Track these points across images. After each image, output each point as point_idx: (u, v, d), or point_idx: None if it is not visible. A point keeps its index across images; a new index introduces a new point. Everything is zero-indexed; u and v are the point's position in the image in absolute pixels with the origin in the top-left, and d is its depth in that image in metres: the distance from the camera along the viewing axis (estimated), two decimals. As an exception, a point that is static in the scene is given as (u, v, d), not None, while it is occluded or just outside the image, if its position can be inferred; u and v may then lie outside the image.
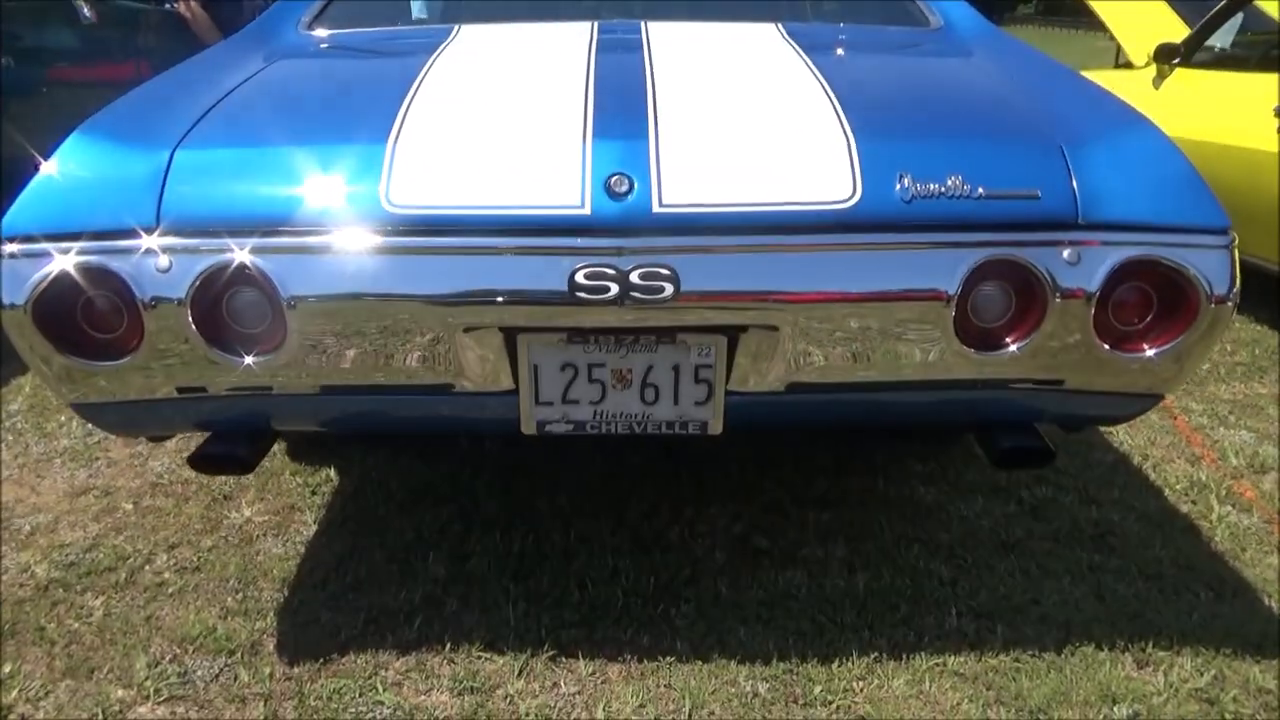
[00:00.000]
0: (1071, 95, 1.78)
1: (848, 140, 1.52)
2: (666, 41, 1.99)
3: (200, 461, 1.65)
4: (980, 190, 1.47)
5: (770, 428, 2.23)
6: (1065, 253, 1.47)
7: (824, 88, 1.69)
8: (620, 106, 1.60)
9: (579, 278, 1.42)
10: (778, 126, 1.58)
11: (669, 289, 1.42)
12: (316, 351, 1.48)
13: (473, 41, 2.06)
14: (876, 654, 1.77)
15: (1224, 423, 2.75)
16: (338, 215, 1.46)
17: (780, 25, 2.17)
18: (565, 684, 1.70)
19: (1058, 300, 1.47)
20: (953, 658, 1.77)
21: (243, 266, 1.43)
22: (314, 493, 2.34)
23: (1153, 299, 1.52)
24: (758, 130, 1.57)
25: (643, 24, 2.12)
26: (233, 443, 1.66)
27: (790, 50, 1.96)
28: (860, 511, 2.25)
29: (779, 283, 1.46)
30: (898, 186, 1.47)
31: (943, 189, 1.47)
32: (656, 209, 1.45)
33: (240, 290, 1.46)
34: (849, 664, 1.75)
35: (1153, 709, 1.65)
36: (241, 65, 1.94)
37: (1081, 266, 1.47)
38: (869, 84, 1.83)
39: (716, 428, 1.58)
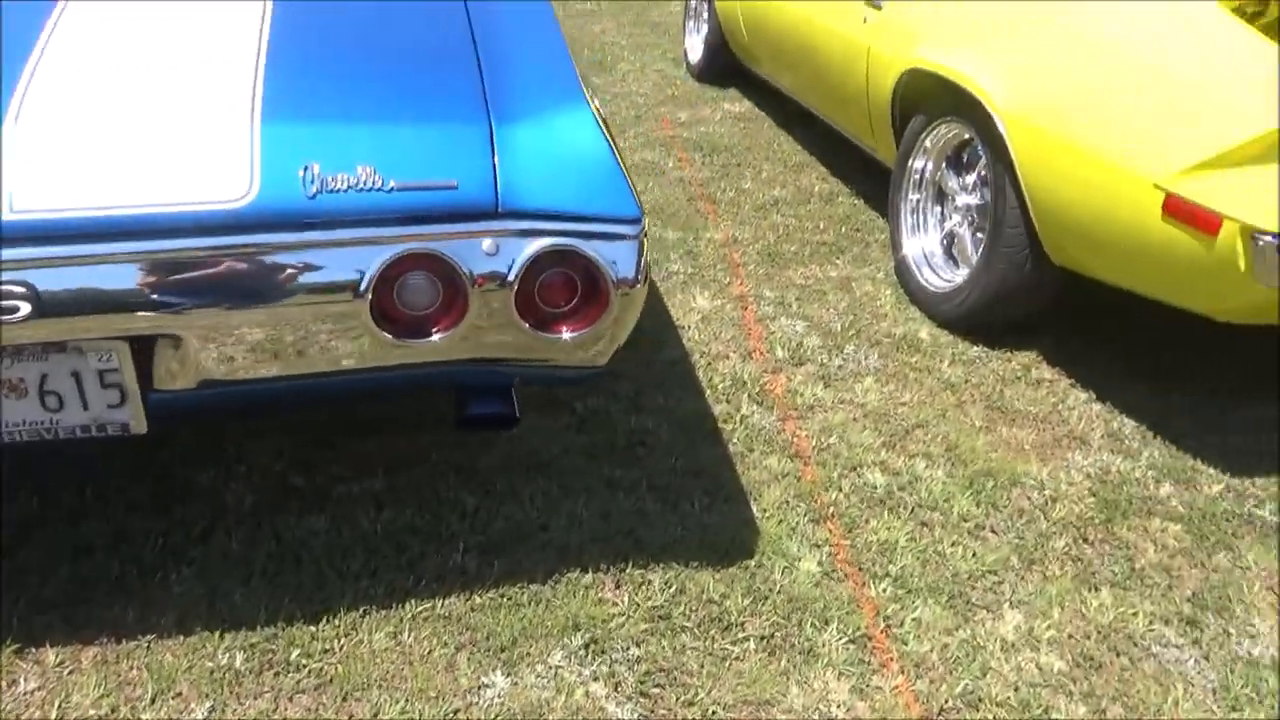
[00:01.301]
0: (527, 65, 1.73)
1: (252, 130, 1.41)
2: (91, 12, 1.73)
3: None
4: (393, 183, 1.43)
5: (214, 419, 2.17)
6: (485, 243, 1.47)
7: (258, 65, 1.55)
8: None
9: None
10: (180, 115, 1.44)
11: (25, 308, 1.31)
12: None
13: None
14: (368, 605, 1.85)
15: (786, 310, 2.98)
16: None
17: None
18: (25, 681, 1.67)
19: (478, 289, 1.49)
20: (443, 601, 1.88)
21: None
22: None
23: (576, 283, 1.57)
24: (152, 121, 1.43)
25: None
26: None
27: (260, 13, 1.76)
28: (410, 437, 2.30)
29: (160, 292, 1.37)
30: (301, 180, 1.40)
31: (352, 181, 1.42)
32: (7, 216, 1.30)
33: None
34: (336, 620, 1.82)
35: (609, 632, 1.84)
36: None
37: (500, 256, 1.49)
38: (313, 58, 1.68)
39: (140, 428, 1.52)
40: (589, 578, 1.95)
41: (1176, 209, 1.96)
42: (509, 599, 1.89)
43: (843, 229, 3.52)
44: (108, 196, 1.34)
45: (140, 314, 1.37)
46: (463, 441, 2.29)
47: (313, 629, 1.80)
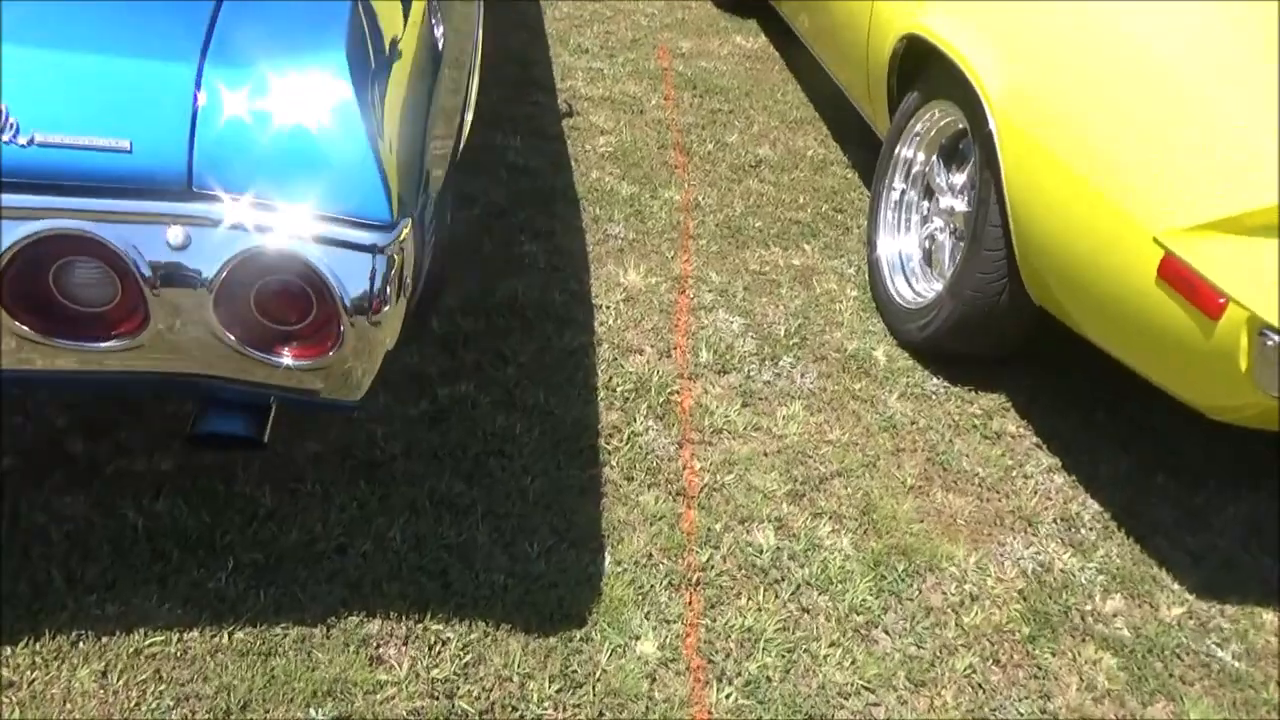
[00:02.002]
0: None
1: None
2: None
3: None
4: (36, 135, 1.02)
5: None
6: (170, 232, 1.07)
7: None
8: None
9: None
10: None
11: None
12: None
13: None
14: (88, 629, 1.50)
15: (728, 302, 2.55)
16: None
17: None
18: None
19: (158, 290, 1.09)
20: (181, 634, 1.52)
21: None
22: None
23: (307, 297, 1.15)
24: None
25: None
26: None
27: None
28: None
29: None
30: None
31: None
32: None
33: None
34: (40, 643, 1.46)
35: (369, 707, 1.48)
36: None
37: (192, 250, 1.08)
38: None
39: None
40: (373, 626, 1.60)
41: (1174, 274, 1.50)
42: (262, 643, 1.54)
43: (824, 207, 3.04)
44: None
45: None
46: (297, 420, 1.93)
47: (7, 650, 1.47)
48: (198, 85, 1.06)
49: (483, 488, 1.87)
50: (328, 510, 1.77)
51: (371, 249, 1.08)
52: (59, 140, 1.01)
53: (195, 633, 1.54)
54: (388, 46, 1.28)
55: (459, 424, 2.01)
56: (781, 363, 2.35)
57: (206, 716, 1.44)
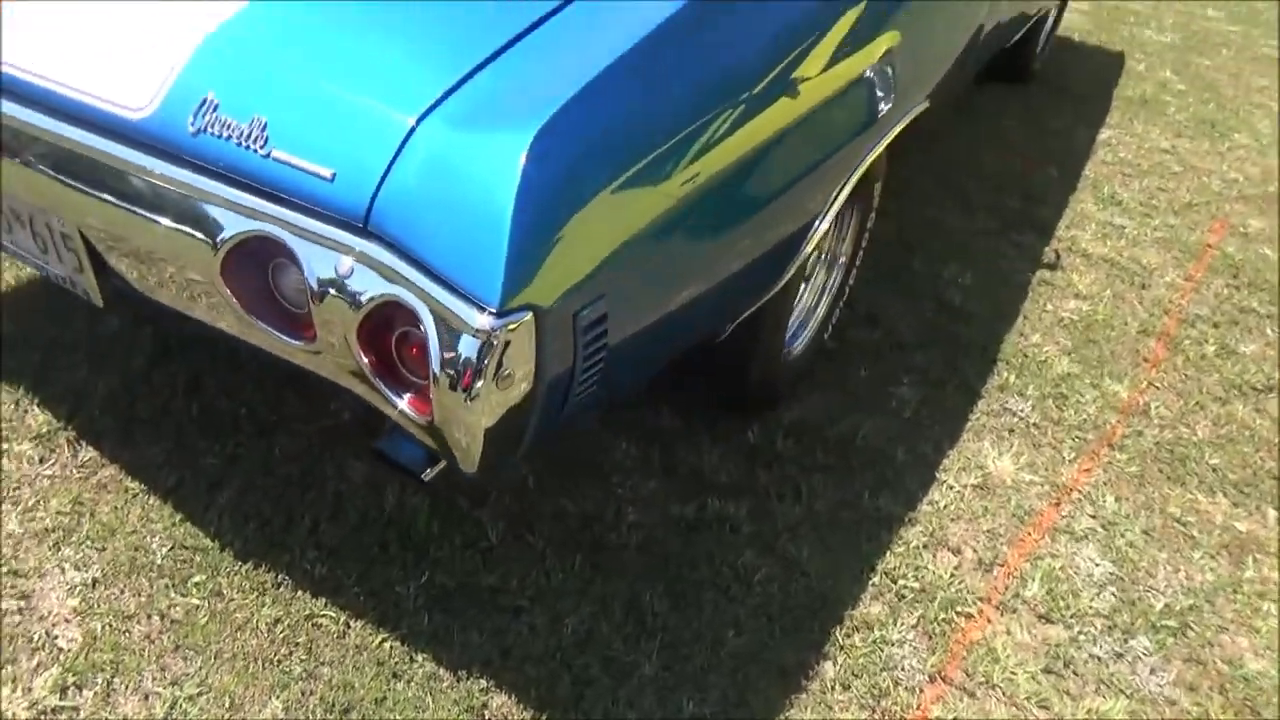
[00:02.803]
0: (557, 56, 1.23)
1: (193, 45, 1.22)
2: None
3: None
4: (274, 150, 1.14)
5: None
6: (340, 261, 1.14)
7: None
8: None
9: None
10: (158, 13, 1.30)
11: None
12: None
13: None
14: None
15: (1109, 540, 1.99)
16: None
17: None
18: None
19: (318, 304, 1.16)
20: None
21: None
22: None
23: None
24: (132, 11, 1.31)
25: None
26: None
27: None
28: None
29: (69, 174, 1.29)
30: (193, 112, 1.19)
31: (236, 131, 1.16)
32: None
33: None
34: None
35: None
36: None
37: (354, 279, 1.14)
38: None
39: (98, 301, 1.48)
40: (495, 699, 1.55)
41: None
42: (398, 661, 1.58)
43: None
44: (57, 70, 1.28)
45: (56, 190, 1.32)
46: (566, 472, 1.96)
47: (238, 564, 1.70)
48: (407, 137, 1.10)
49: (683, 616, 1.72)
50: (532, 568, 1.77)
51: (467, 329, 1.04)
52: (287, 158, 1.13)
53: (359, 623, 1.64)
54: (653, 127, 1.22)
55: (707, 541, 1.87)
56: (1134, 642, 1.79)
57: (316, 701, 1.52)
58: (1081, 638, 1.79)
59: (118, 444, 1.89)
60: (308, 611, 1.65)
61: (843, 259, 2.29)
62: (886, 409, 2.27)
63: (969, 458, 2.17)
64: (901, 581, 1.85)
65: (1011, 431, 2.27)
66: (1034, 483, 2.13)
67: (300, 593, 1.68)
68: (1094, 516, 2.06)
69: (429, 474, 1.35)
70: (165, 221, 1.23)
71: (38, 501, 1.77)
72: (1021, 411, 2.33)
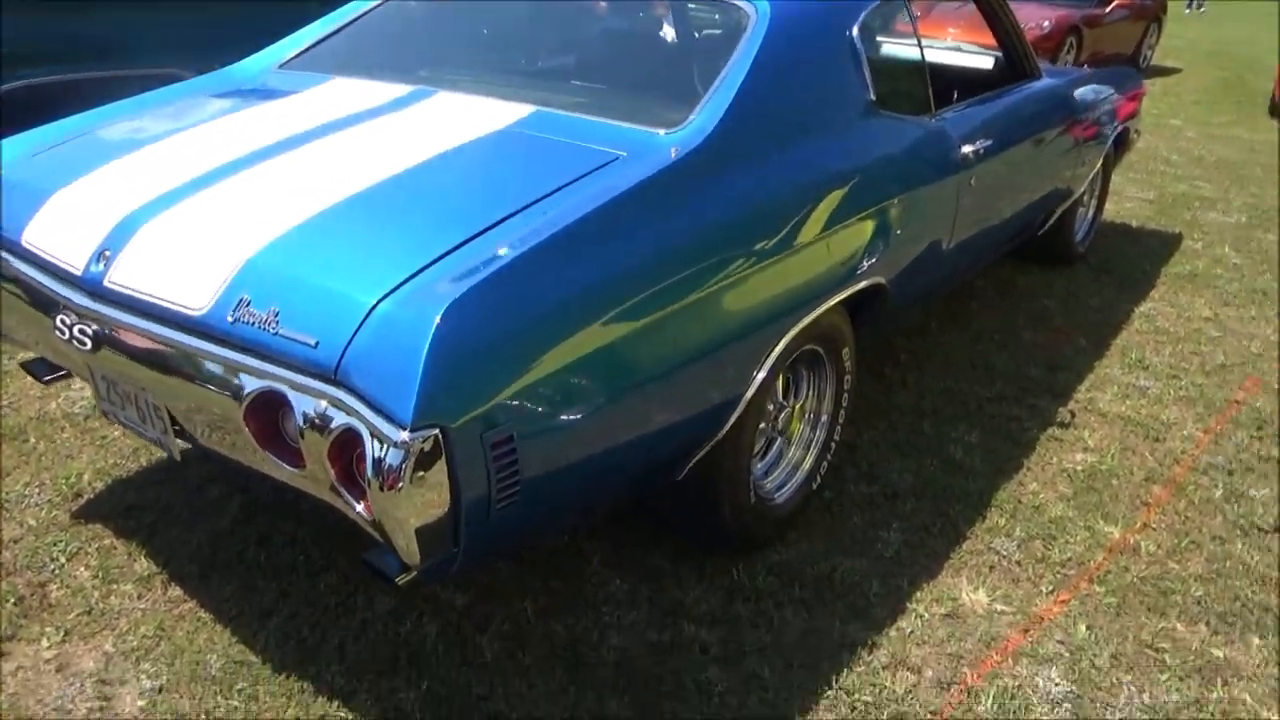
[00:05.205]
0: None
1: (246, 257, 1.71)
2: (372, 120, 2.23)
3: None
4: (281, 328, 1.59)
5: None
6: (319, 403, 1.55)
7: (339, 199, 1.84)
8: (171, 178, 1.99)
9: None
10: (229, 229, 1.81)
11: (89, 344, 1.86)
12: None
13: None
14: (312, 684, 2.00)
15: (1072, 665, 2.06)
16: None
17: (539, 110, 2.21)
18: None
19: (304, 440, 1.57)
20: None
21: None
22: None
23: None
24: (210, 226, 1.83)
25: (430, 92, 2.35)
26: None
27: (465, 139, 2.07)
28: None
29: (143, 361, 1.80)
30: (233, 306, 1.66)
31: (258, 318, 1.62)
32: (107, 283, 1.86)
33: None
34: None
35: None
36: None
37: (326, 415, 1.55)
38: (380, 205, 1.86)
39: (175, 454, 1.95)
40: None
41: None
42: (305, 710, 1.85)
43: (1325, 604, 2.24)
44: (136, 276, 1.81)
45: (146, 374, 1.81)
46: (561, 595, 2.24)
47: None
48: (368, 314, 1.53)
49: (642, 722, 1.92)
50: (516, 680, 2.02)
51: (390, 441, 1.41)
52: (289, 334, 1.58)
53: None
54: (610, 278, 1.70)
55: (676, 660, 2.08)
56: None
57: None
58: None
59: (198, 585, 2.31)
60: (322, 712, 1.96)
61: (825, 417, 2.57)
62: (870, 551, 2.45)
63: (943, 590, 2.31)
64: (857, 695, 1.99)
65: (991, 568, 2.40)
66: (1005, 612, 2.24)
67: (320, 698, 1.99)
68: (1062, 642, 2.15)
69: (403, 579, 1.69)
70: (210, 386, 1.70)
71: (130, 628, 2.18)
72: (1003, 551, 2.46)
